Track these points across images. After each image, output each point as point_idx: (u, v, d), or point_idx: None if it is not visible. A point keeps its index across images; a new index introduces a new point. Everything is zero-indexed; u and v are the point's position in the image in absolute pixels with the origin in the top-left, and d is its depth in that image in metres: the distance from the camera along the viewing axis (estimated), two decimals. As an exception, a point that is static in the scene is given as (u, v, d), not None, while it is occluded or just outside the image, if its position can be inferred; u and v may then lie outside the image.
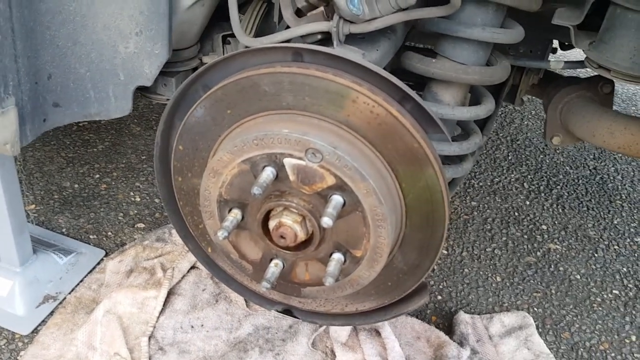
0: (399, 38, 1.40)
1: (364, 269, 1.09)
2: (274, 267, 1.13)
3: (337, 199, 1.02)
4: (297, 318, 1.38)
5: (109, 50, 1.41)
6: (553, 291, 1.99)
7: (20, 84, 1.34)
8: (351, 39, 1.21)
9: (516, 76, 1.81)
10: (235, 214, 1.10)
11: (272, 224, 1.08)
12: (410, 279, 1.20)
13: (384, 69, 1.39)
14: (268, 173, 1.02)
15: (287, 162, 1.02)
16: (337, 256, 1.08)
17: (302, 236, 1.07)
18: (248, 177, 1.05)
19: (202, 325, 1.72)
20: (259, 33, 1.50)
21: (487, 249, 2.14)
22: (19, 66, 1.31)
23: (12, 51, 1.27)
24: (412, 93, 1.02)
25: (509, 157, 2.70)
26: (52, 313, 1.69)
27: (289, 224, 1.06)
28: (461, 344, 1.72)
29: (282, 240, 1.06)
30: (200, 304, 1.78)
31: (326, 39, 1.18)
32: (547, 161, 2.69)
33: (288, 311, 1.38)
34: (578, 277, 2.06)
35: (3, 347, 1.60)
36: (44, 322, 1.67)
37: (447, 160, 1.45)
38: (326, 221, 0.97)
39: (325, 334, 1.74)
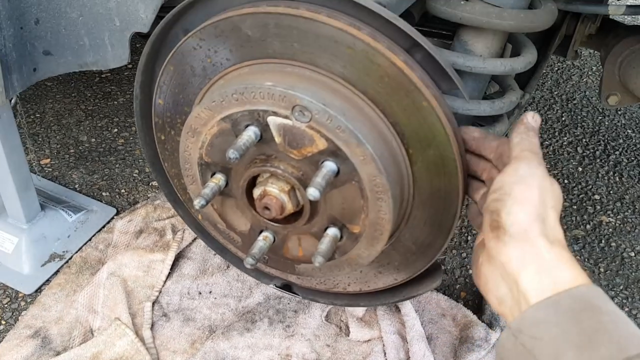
0: (426, -24, 1.19)
1: (362, 247, 0.94)
2: (262, 241, 0.99)
3: (329, 167, 0.86)
4: (297, 295, 1.24)
5: (101, -8, 1.27)
6: (602, 269, 1.78)
7: (2, 29, 1.22)
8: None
9: (570, 24, 1.56)
10: (217, 180, 0.96)
11: (256, 192, 0.93)
12: (420, 259, 1.04)
13: (408, 12, 1.20)
14: (250, 134, 0.87)
15: (272, 121, 0.86)
16: (332, 232, 0.93)
17: (290, 208, 0.92)
18: (230, 138, 0.91)
19: (210, 292, 1.62)
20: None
21: (529, 220, 1.93)
22: (-3, 8, 1.19)
23: (-15, -10, 1.15)
24: (423, 40, 0.83)
25: (563, 118, 2.43)
26: (57, 272, 1.63)
27: (275, 193, 0.91)
28: (491, 324, 1.55)
29: (267, 212, 0.92)
30: (210, 269, 1.68)
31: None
32: (607, 123, 2.42)
33: (288, 286, 1.25)
34: (632, 254, 1.84)
35: (6, 305, 1.55)
36: (48, 281, 1.61)
37: (479, 121, 1.25)
38: (312, 192, 0.82)
39: (341, 307, 1.61)
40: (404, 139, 0.88)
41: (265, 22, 0.86)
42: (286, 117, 0.85)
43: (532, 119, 0.82)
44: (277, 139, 0.88)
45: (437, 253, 1.00)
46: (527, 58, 1.14)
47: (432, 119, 0.85)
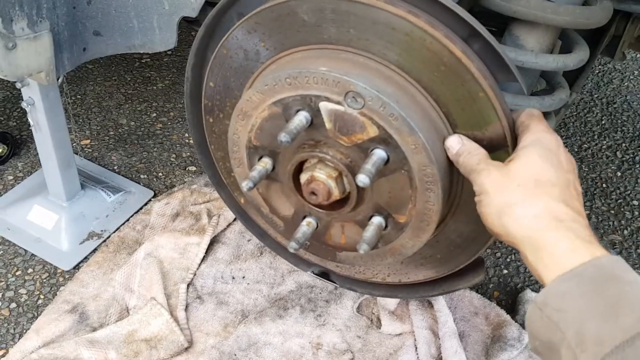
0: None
1: (407, 237, 0.93)
2: (306, 227, 0.99)
3: (379, 154, 0.86)
4: (334, 283, 1.25)
5: (152, -25, 1.29)
6: (639, 276, 1.75)
7: (56, 7, 1.24)
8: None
9: (619, 25, 1.52)
10: (265, 163, 0.96)
11: (303, 177, 0.93)
12: (463, 253, 1.03)
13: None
14: (300, 118, 0.87)
15: (323, 106, 0.86)
16: (377, 220, 0.93)
17: (336, 194, 0.92)
18: (280, 122, 0.91)
19: (243, 277, 1.63)
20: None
21: (565, 223, 1.90)
22: (52, -13, 1.21)
23: (42, -31, 1.17)
24: (483, 29, 0.82)
25: (603, 122, 2.39)
26: (94, 250, 1.66)
27: (322, 179, 0.91)
28: (524, 325, 1.54)
29: (314, 197, 0.92)
30: (243, 254, 1.70)
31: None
32: (648, 128, 2.37)
33: (325, 274, 1.25)
34: (671, 262, 1.80)
35: (44, 280, 1.59)
36: (86, 259, 1.64)
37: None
38: (362, 179, 0.82)
39: (373, 299, 1.61)
40: (456, 129, 0.88)
41: (322, 7, 0.86)
42: (338, 102, 0.85)
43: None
44: (328, 125, 0.88)
45: (482, 248, 1.00)
46: (580, 55, 1.12)
47: (488, 111, 0.84)
